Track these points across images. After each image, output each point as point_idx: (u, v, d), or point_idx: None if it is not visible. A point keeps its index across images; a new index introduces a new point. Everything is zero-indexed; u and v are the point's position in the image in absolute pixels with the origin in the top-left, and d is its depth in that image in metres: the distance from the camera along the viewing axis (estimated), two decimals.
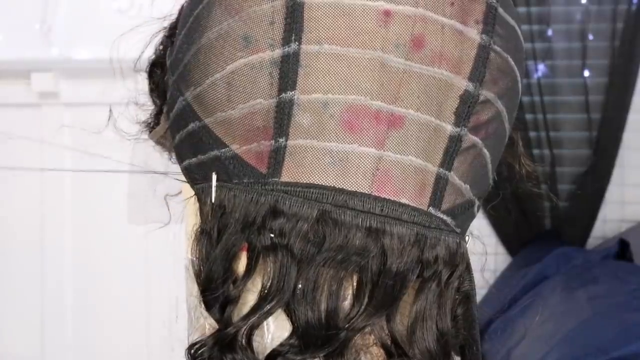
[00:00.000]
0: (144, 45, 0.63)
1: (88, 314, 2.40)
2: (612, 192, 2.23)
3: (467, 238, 0.54)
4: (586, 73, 2.20)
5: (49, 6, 2.32)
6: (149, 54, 0.62)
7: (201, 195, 0.52)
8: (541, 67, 2.22)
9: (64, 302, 2.40)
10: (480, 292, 1.98)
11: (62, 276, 2.39)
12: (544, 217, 2.26)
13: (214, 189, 0.50)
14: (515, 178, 0.64)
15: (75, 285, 2.40)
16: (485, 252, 0.61)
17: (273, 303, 0.48)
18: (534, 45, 2.20)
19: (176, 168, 0.57)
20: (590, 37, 2.21)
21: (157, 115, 0.61)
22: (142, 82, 0.62)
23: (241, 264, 0.50)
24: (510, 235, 2.25)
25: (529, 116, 2.21)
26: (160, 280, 2.27)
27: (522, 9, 2.19)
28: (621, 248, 1.99)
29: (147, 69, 0.62)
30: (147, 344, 2.33)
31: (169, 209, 0.65)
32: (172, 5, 0.59)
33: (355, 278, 0.49)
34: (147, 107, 0.62)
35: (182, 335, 0.54)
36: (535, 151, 2.22)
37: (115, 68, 0.72)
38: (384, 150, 0.48)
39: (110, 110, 0.69)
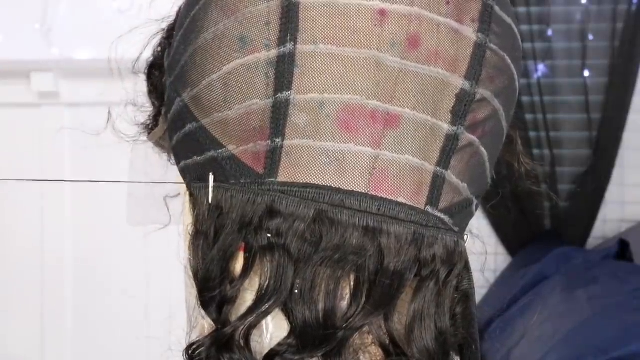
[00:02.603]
0: (142, 46, 0.63)
1: (88, 314, 2.40)
2: (612, 192, 2.23)
3: (465, 237, 0.54)
4: (586, 73, 2.21)
5: (49, 6, 2.32)
6: (148, 55, 0.62)
7: (198, 196, 0.51)
8: (541, 67, 2.22)
9: (64, 302, 2.40)
10: (480, 292, 1.97)
11: (62, 276, 2.39)
12: (544, 217, 2.26)
13: (211, 190, 0.50)
14: (514, 177, 0.64)
15: (75, 285, 2.40)
16: (485, 252, 0.61)
17: (270, 303, 0.48)
18: (534, 45, 2.20)
19: (175, 170, 0.57)
20: (590, 37, 2.21)
21: (156, 116, 0.61)
22: (141, 84, 0.62)
23: (238, 264, 0.50)
24: (510, 235, 2.25)
25: (529, 116, 2.21)
26: (159, 281, 2.27)
27: (522, 9, 2.19)
28: (621, 248, 1.99)
29: (146, 71, 0.62)
30: (147, 344, 2.33)
31: (168, 210, 0.65)
32: (171, 7, 0.59)
33: (352, 277, 0.49)
34: (145, 109, 0.62)
35: (180, 336, 0.54)
36: (535, 151, 2.22)
37: (114, 69, 0.72)
38: (380, 150, 0.48)
39: (109, 112, 0.69)
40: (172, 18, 0.59)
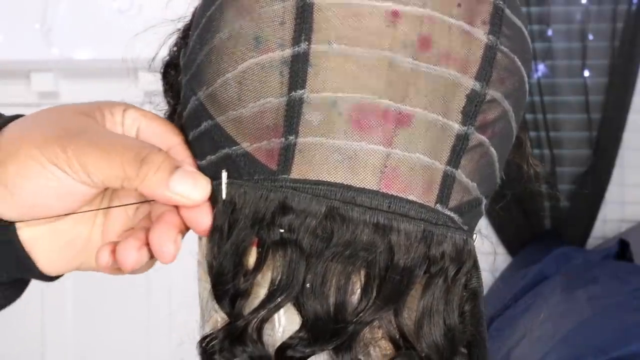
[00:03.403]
0: (158, 45, 0.63)
1: (88, 313, 2.41)
2: (612, 192, 2.23)
3: (474, 236, 0.54)
4: (586, 73, 2.21)
5: (49, 6, 2.32)
6: (162, 54, 0.62)
7: (213, 192, 0.52)
8: (541, 67, 2.23)
9: (64, 302, 2.40)
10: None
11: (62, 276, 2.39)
12: (544, 217, 2.26)
13: (224, 186, 0.51)
14: (523, 178, 0.65)
15: (75, 285, 2.40)
16: (495, 251, 0.61)
17: (282, 297, 0.49)
18: (534, 45, 2.20)
19: None
20: (590, 37, 2.21)
21: (171, 115, 0.61)
22: (156, 83, 0.63)
23: (251, 259, 0.51)
24: (510, 235, 2.25)
25: (529, 116, 2.21)
26: (160, 280, 2.27)
27: (522, 9, 2.19)
28: (621, 248, 2.00)
29: (162, 70, 0.62)
30: (147, 344, 2.33)
31: None
32: (186, 7, 0.60)
33: (363, 273, 0.50)
34: (161, 108, 0.63)
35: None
36: (536, 151, 2.22)
37: (123, 69, 0.72)
38: (392, 148, 0.49)
39: None
40: (188, 18, 0.60)
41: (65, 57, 2.34)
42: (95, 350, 2.41)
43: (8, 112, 1.94)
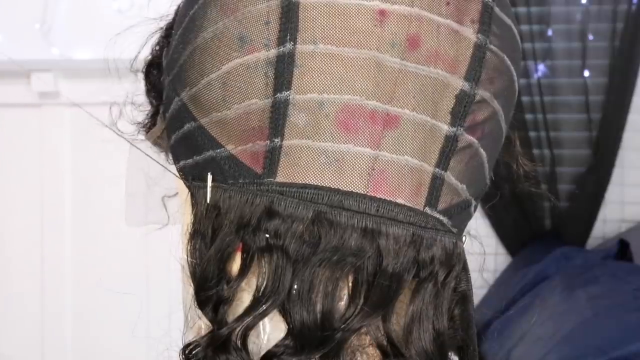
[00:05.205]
0: (140, 45, 0.63)
1: (88, 314, 2.40)
2: (612, 192, 2.23)
3: (464, 238, 0.54)
4: (586, 73, 2.20)
5: (49, 6, 2.32)
6: (146, 54, 0.62)
7: (196, 196, 0.51)
8: (541, 67, 2.22)
9: (64, 302, 2.40)
10: (480, 292, 1.98)
11: (62, 276, 2.39)
12: (544, 217, 2.26)
13: (209, 190, 0.50)
14: (513, 178, 0.64)
15: (75, 285, 2.40)
16: (484, 252, 0.61)
17: (268, 304, 0.48)
18: (534, 45, 2.20)
19: (173, 169, 0.56)
20: (590, 37, 2.21)
21: (154, 115, 0.61)
22: (140, 82, 0.62)
23: (235, 265, 0.50)
24: (510, 235, 2.25)
25: (529, 116, 2.21)
26: (159, 281, 2.27)
27: (522, 9, 2.19)
28: (621, 248, 2.00)
29: (144, 70, 0.61)
30: (146, 345, 2.32)
31: (166, 210, 0.65)
32: (169, 6, 0.59)
33: (350, 279, 0.49)
34: (144, 108, 0.62)
35: (178, 337, 0.54)
36: (535, 151, 2.22)
37: (112, 68, 0.71)
38: (379, 150, 0.48)
39: (111, 108, 0.68)
40: (171, 17, 0.59)
41: (65, 57, 2.34)
42: (94, 350, 2.41)
43: (8, 112, 1.95)
